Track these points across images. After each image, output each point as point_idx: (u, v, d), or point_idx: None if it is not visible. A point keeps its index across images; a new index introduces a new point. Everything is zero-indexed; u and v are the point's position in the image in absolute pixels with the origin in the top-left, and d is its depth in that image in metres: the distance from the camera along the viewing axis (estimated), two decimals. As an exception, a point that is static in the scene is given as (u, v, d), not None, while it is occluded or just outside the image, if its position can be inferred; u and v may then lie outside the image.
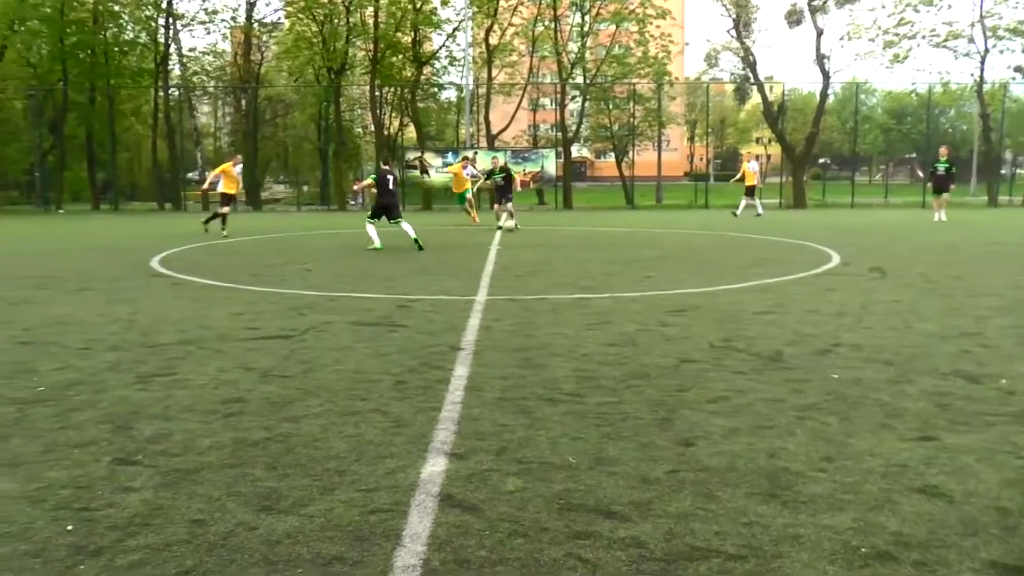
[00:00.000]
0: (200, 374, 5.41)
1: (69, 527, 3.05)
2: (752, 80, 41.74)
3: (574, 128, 42.50)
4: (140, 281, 10.55)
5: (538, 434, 4.09)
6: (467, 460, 3.71)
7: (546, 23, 40.24)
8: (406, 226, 15.06)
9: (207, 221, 18.84)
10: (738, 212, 26.53)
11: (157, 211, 37.96)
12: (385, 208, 15.31)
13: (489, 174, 20.34)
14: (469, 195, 21.46)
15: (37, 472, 3.62)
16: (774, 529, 2.97)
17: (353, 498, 3.28)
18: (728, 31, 39.48)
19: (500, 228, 19.19)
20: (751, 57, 39.44)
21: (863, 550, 2.80)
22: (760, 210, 26.83)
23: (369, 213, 15.89)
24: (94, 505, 3.25)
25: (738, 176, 27.42)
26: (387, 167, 16.10)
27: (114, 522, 3.08)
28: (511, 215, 19.73)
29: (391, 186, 15.38)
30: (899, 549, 2.81)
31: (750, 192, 26.56)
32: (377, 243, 14.92)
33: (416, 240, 14.63)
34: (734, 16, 38.49)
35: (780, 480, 3.46)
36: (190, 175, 44.21)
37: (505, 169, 20.19)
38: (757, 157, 34.23)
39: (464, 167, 21.82)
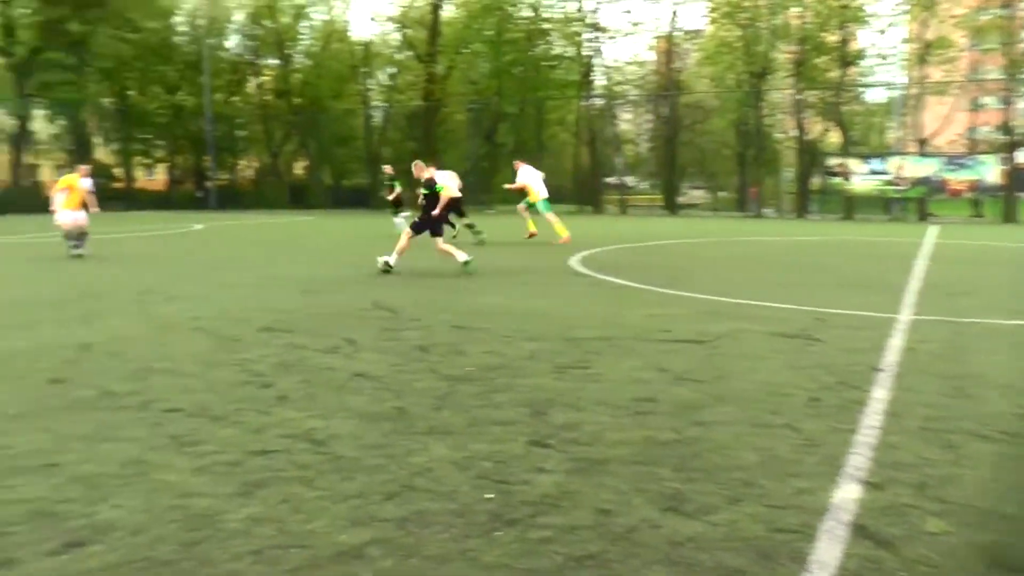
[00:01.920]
0: (614, 370, 5.56)
1: (489, 495, 3.28)
2: None
3: (1022, 130, 37.49)
4: (560, 278, 11.22)
5: (965, 473, 3.62)
6: (883, 491, 3.39)
7: (993, 12, 36.07)
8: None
9: (471, 228, 17.89)
10: None
11: (576, 212, 40.22)
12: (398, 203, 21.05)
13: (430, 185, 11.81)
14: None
15: (463, 442, 3.96)
16: None
17: (759, 512, 3.14)
18: None
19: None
20: None
21: None
22: None
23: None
24: (511, 479, 3.46)
25: None
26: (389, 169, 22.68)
27: (527, 498, 3.26)
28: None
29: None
30: None
31: None
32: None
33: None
34: None
35: None
36: (609, 180, 46.33)
37: (429, 184, 11.85)
38: None
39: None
